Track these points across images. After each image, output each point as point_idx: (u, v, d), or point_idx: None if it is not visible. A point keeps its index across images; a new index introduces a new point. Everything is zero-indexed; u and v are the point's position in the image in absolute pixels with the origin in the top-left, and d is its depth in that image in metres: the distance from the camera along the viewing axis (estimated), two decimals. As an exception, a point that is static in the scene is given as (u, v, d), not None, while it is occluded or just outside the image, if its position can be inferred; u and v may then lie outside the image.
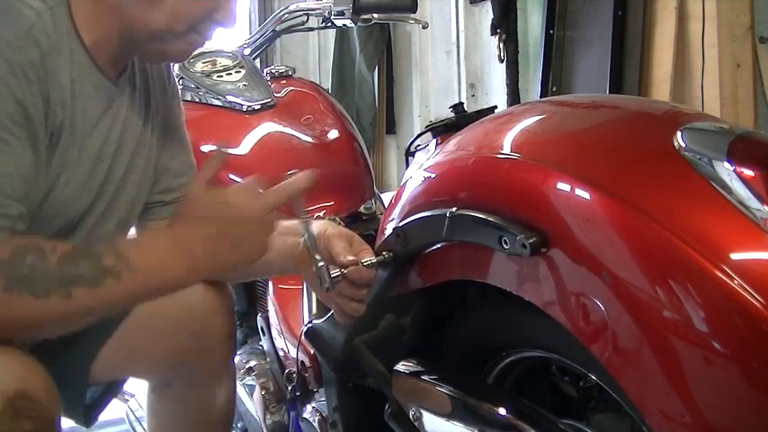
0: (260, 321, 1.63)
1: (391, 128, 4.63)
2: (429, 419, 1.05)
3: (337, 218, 1.54)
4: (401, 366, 1.11)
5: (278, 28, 1.91)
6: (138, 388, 1.71)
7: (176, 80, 1.31)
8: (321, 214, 1.57)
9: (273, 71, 1.89)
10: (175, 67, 1.39)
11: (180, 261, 0.94)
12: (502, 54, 3.53)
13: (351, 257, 1.06)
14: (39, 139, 0.96)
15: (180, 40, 1.05)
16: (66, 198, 1.04)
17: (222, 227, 0.96)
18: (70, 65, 1.01)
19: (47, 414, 0.95)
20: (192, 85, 1.74)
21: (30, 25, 0.96)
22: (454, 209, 0.95)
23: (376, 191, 1.75)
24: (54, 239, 0.98)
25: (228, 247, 0.96)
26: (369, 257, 1.07)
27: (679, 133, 0.82)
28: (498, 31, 3.50)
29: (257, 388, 1.59)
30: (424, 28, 2.35)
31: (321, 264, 1.03)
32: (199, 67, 1.77)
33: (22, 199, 0.95)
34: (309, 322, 1.28)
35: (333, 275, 1.04)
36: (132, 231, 1.25)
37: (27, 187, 0.96)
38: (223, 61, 1.79)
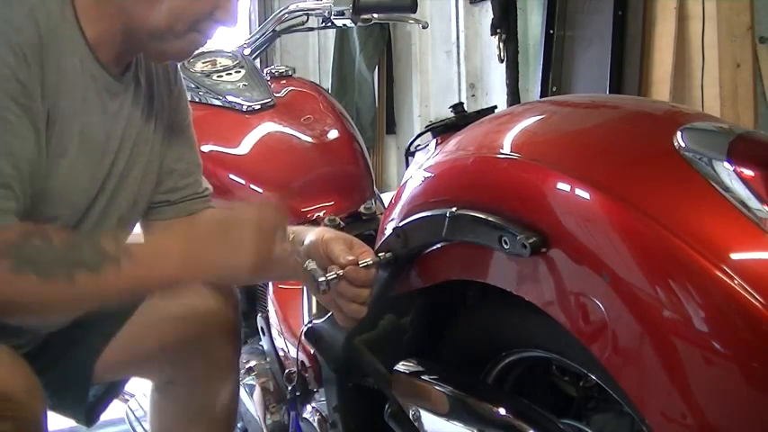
0: (260, 321, 1.63)
1: (391, 128, 4.62)
2: (429, 419, 1.05)
3: (337, 218, 1.54)
4: (401, 366, 1.11)
5: (278, 28, 1.90)
6: (138, 388, 1.71)
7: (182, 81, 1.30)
8: (321, 214, 1.57)
9: (273, 71, 1.89)
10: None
11: (177, 255, 0.98)
12: (502, 54, 3.53)
13: (350, 258, 1.06)
14: (38, 118, 0.98)
15: (180, 40, 1.05)
16: (70, 182, 1.04)
17: (221, 227, 1.02)
18: (70, 53, 1.01)
19: (29, 414, 0.95)
20: (192, 85, 1.73)
21: (31, 6, 0.97)
22: (454, 209, 0.95)
23: (376, 191, 1.75)
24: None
25: (227, 247, 0.99)
26: (368, 258, 1.07)
27: (679, 133, 0.82)
28: (498, 31, 3.50)
29: (257, 388, 1.58)
30: (424, 28, 2.34)
31: (311, 264, 1.05)
32: (199, 66, 1.76)
33: (24, 177, 0.96)
34: (309, 322, 1.28)
35: (330, 276, 1.04)
36: (137, 230, 1.25)
37: (28, 166, 0.97)
38: (223, 61, 1.79)
